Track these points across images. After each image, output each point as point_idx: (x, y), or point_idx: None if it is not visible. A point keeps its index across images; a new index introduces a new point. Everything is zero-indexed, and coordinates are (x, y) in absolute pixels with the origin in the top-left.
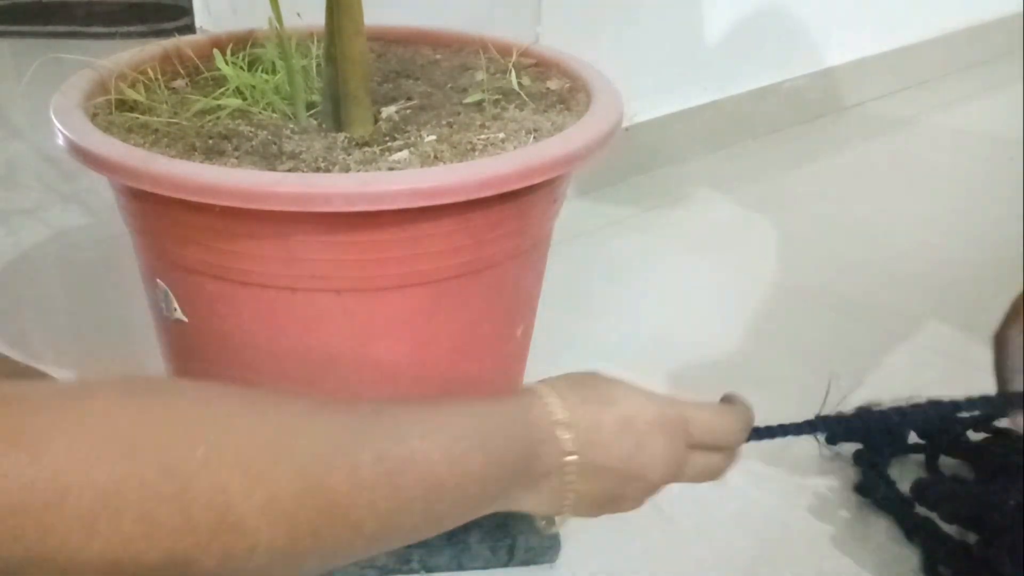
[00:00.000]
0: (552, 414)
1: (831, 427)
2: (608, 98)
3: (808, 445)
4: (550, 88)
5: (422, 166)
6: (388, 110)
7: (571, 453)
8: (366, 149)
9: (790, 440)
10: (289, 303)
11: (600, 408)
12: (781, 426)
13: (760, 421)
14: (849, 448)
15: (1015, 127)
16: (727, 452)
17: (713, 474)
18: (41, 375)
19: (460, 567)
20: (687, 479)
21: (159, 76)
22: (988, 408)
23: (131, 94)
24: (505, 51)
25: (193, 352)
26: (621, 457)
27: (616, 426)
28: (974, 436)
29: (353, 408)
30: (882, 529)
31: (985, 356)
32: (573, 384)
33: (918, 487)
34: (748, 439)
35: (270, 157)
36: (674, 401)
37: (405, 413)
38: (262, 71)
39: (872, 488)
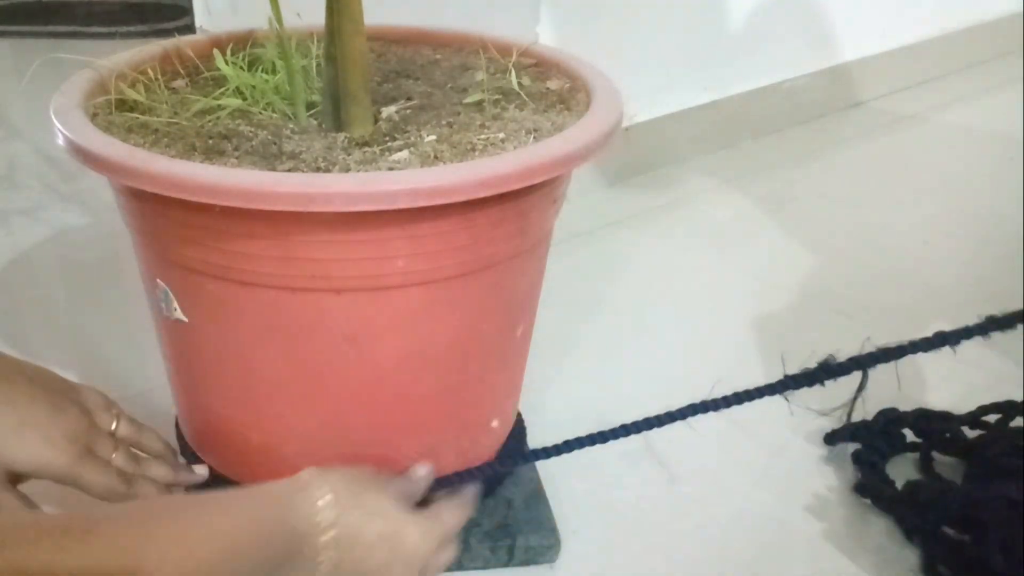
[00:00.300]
0: (319, 512)
1: (796, 384)
2: (608, 98)
3: (807, 445)
4: (550, 88)
5: (422, 166)
6: (388, 110)
7: (328, 549)
8: (366, 149)
9: (789, 440)
10: (289, 303)
11: (367, 517)
12: (757, 389)
13: (759, 419)
14: (848, 448)
15: (1016, 126)
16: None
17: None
18: (34, 368)
19: (460, 567)
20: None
21: (159, 76)
22: (933, 347)
23: (131, 94)
24: (505, 51)
25: (193, 352)
26: (374, 567)
27: (376, 538)
28: (970, 433)
29: (120, 526)
30: (881, 529)
31: (986, 355)
32: (350, 484)
33: (909, 489)
34: (718, 408)
35: (270, 157)
36: (432, 526)
37: (169, 526)
38: (262, 71)
39: (871, 488)
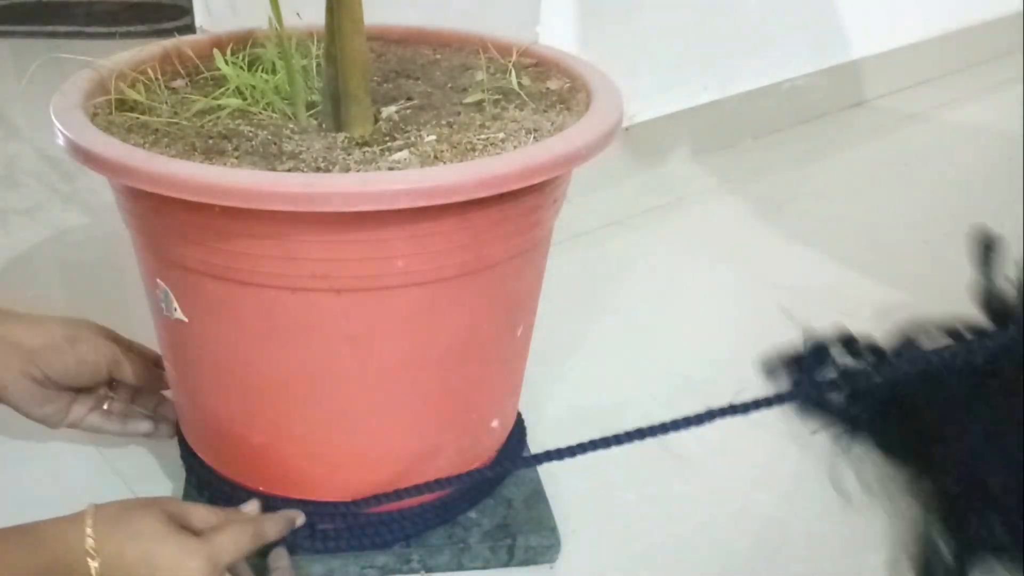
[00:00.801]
0: (84, 541)
1: (809, 391)
2: (608, 98)
3: (808, 445)
4: (550, 88)
5: (422, 166)
6: (388, 110)
7: None
8: (366, 149)
9: (789, 440)
10: (289, 303)
11: (126, 540)
12: (779, 396)
13: (760, 419)
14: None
15: (1016, 125)
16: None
17: None
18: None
19: (460, 567)
20: None
21: (159, 76)
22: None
23: (131, 94)
24: (505, 51)
25: (193, 352)
26: None
27: (137, 558)
28: None
29: None
30: (883, 529)
31: None
32: (118, 511)
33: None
34: (736, 414)
35: (270, 157)
36: (199, 546)
37: None
38: (262, 71)
39: (809, 393)
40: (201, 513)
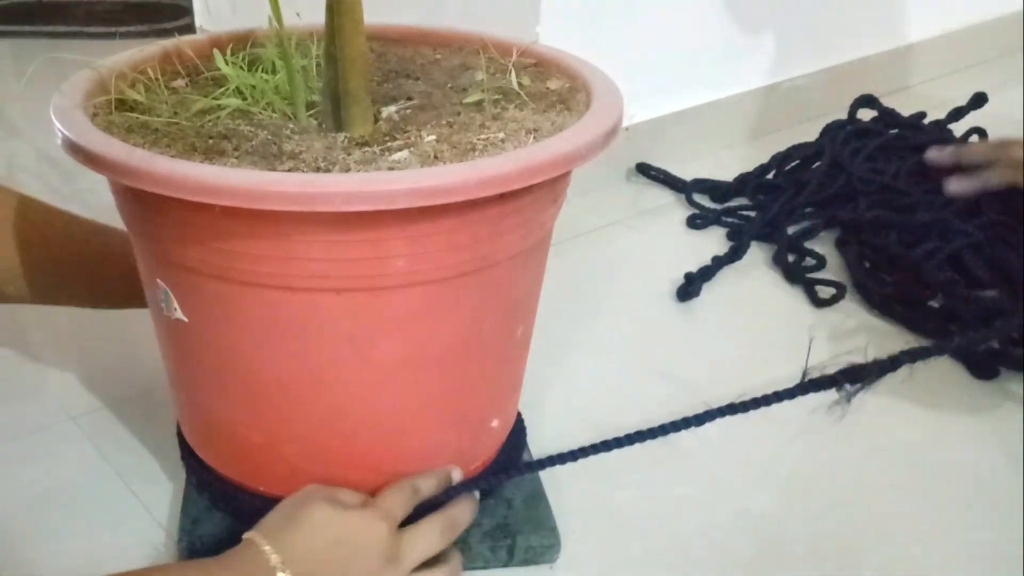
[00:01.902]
0: (269, 561)
1: (818, 388)
2: (608, 98)
3: (809, 445)
4: (550, 88)
5: (422, 166)
6: (388, 110)
7: None
8: (366, 149)
9: (790, 439)
10: (289, 303)
11: (309, 535)
12: (776, 394)
13: (760, 418)
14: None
15: (1017, 125)
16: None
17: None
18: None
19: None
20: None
21: (159, 76)
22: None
23: (131, 94)
24: (505, 51)
25: (193, 352)
26: (342, 571)
27: (326, 547)
28: None
29: None
30: (884, 528)
31: None
32: (280, 520)
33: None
34: (735, 412)
35: (270, 157)
36: (373, 512)
37: None
38: (262, 71)
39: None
40: (347, 494)
